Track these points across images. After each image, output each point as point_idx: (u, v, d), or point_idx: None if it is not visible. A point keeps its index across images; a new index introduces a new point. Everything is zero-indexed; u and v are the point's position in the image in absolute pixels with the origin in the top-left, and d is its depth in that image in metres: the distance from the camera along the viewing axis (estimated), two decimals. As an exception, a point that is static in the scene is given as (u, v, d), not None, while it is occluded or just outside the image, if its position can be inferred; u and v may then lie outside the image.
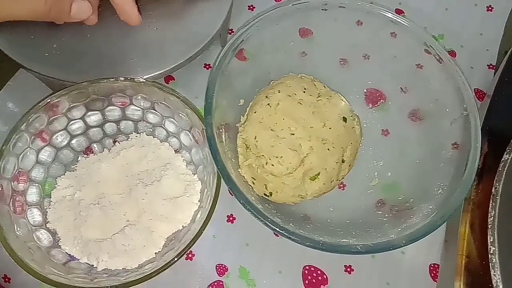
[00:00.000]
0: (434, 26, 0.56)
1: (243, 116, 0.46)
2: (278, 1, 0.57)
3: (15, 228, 0.39)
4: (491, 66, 0.55)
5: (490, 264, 0.34)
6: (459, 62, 0.46)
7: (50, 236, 0.41)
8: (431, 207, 0.40)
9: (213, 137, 0.40)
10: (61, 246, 0.41)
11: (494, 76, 0.53)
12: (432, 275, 0.45)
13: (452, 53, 0.55)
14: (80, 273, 0.39)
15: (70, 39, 0.45)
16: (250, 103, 0.47)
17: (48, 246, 0.41)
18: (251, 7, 0.56)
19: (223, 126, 0.43)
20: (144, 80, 0.43)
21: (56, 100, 0.42)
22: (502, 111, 0.46)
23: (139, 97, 0.45)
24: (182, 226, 0.43)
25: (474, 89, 0.53)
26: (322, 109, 0.46)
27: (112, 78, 0.43)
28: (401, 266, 0.45)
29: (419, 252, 0.46)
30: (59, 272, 0.38)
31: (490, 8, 0.58)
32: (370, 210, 0.45)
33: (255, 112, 0.45)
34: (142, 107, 0.46)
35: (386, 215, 0.43)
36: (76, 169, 0.45)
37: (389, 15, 0.46)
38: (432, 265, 0.45)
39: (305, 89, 0.46)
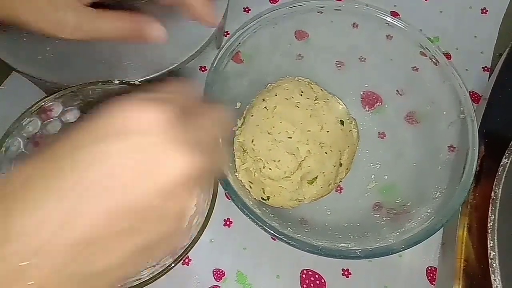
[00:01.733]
0: (429, 28, 0.56)
1: (240, 120, 0.46)
2: (274, 3, 0.57)
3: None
4: (486, 69, 0.55)
5: (490, 269, 0.34)
6: (454, 64, 0.46)
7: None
8: (429, 210, 0.40)
9: (210, 141, 0.40)
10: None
11: (489, 78, 0.53)
12: (429, 278, 0.45)
13: (447, 55, 0.55)
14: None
15: (63, 41, 0.45)
16: (247, 106, 0.47)
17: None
18: (247, 9, 0.56)
19: (219, 130, 0.43)
20: (140, 83, 0.43)
21: (50, 103, 0.41)
22: (499, 113, 0.46)
23: (134, 100, 0.44)
24: (179, 231, 0.42)
25: (470, 91, 0.53)
26: (320, 112, 0.46)
27: (107, 81, 0.42)
28: (399, 270, 0.45)
29: (416, 255, 0.45)
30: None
31: (484, 11, 0.58)
32: (368, 213, 0.45)
33: (252, 115, 0.45)
34: (137, 111, 0.45)
35: (384, 218, 0.43)
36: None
37: (385, 17, 0.46)
38: (429, 268, 0.45)
39: (302, 92, 0.46)
